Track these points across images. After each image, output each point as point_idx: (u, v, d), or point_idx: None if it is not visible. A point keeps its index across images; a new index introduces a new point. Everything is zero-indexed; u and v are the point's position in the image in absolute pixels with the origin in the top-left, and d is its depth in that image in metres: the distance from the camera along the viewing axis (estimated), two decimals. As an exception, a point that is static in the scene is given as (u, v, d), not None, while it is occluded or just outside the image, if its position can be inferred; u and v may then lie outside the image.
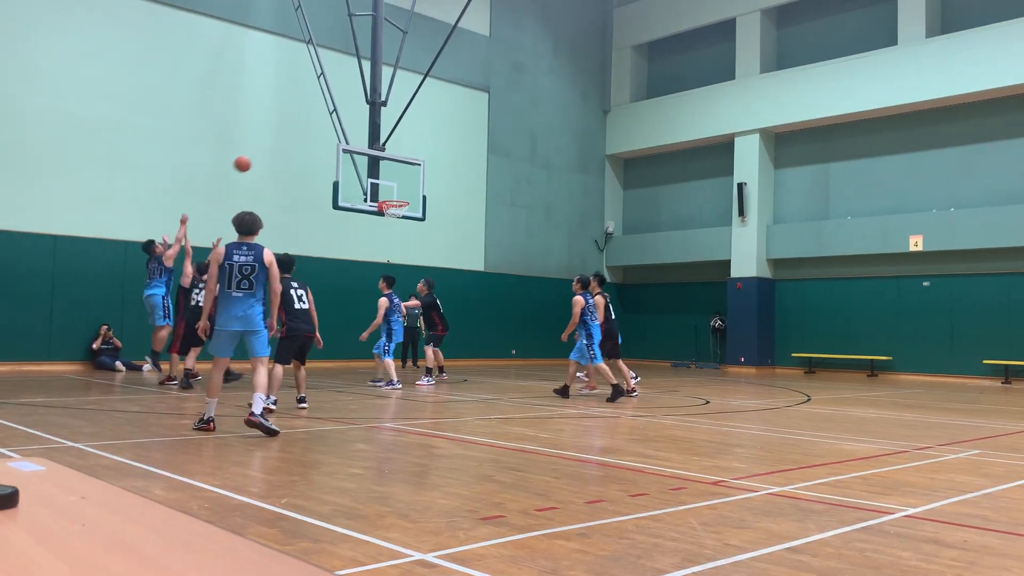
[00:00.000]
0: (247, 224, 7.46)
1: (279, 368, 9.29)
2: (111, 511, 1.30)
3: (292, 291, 9.54)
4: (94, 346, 15.88)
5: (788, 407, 11.64)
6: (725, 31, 24.55)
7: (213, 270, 7.31)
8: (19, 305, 15.45)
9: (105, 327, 15.99)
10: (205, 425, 7.38)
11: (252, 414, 7.13)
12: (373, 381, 13.57)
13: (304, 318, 9.53)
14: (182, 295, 12.40)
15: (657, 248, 25.46)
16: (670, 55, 26.33)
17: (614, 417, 9.62)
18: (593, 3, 26.48)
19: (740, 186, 23.11)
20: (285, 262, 10.31)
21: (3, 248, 15.34)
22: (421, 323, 15.67)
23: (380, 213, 15.79)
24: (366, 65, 16.72)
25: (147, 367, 14.35)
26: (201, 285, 12.50)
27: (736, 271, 23.30)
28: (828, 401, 12.77)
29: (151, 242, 13.41)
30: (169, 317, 12.92)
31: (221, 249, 7.37)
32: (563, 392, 12.04)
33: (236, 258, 7.29)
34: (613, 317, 12.90)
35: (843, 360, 21.90)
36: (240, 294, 7.29)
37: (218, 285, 7.34)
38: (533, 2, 24.64)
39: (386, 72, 17.38)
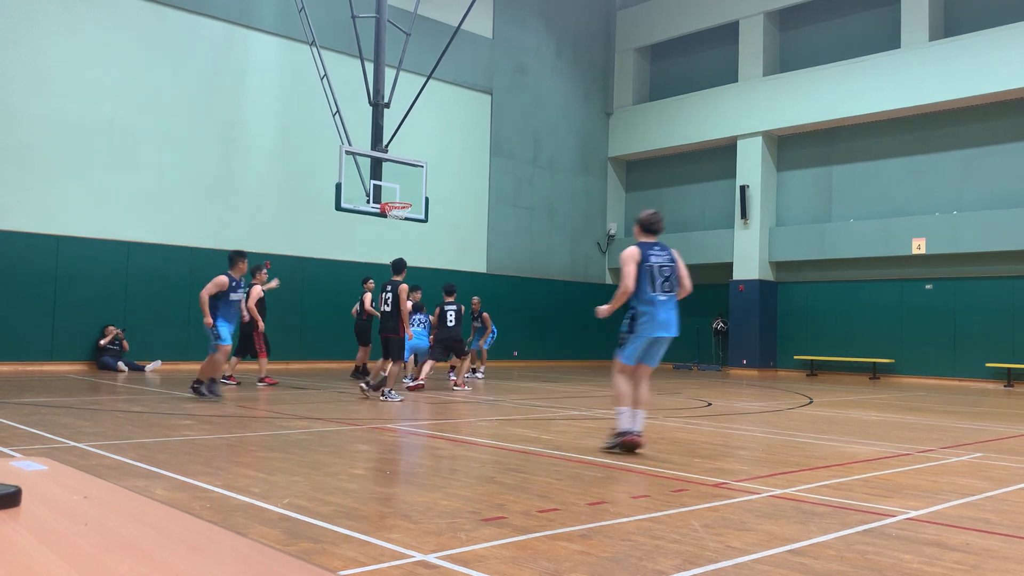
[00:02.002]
0: (654, 223, 6.91)
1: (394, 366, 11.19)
2: (114, 511, 1.30)
3: (381, 295, 11.50)
4: (101, 343, 15.85)
5: (790, 409, 11.63)
6: (728, 34, 24.55)
7: (630, 269, 6.65)
8: (22, 305, 15.47)
9: (115, 328, 15.97)
10: (620, 438, 6.74)
11: (624, 432, 6.70)
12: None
13: (385, 319, 11.41)
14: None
15: (659, 250, 25.38)
16: (673, 57, 26.33)
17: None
18: (596, 5, 26.49)
19: (742, 188, 23.10)
20: (394, 265, 11.66)
21: (6, 248, 15.36)
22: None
23: (383, 215, 15.79)
24: (369, 67, 16.72)
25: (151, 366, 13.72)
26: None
27: (738, 273, 23.28)
28: (830, 403, 12.75)
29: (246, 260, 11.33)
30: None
31: (633, 249, 6.71)
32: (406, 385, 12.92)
33: (653, 259, 6.69)
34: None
35: (845, 363, 21.87)
36: (665, 297, 6.71)
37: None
38: (536, 4, 24.65)
39: (389, 74, 17.39)
